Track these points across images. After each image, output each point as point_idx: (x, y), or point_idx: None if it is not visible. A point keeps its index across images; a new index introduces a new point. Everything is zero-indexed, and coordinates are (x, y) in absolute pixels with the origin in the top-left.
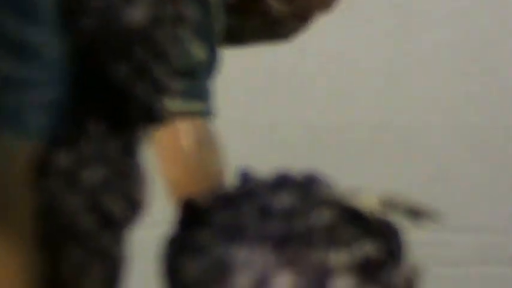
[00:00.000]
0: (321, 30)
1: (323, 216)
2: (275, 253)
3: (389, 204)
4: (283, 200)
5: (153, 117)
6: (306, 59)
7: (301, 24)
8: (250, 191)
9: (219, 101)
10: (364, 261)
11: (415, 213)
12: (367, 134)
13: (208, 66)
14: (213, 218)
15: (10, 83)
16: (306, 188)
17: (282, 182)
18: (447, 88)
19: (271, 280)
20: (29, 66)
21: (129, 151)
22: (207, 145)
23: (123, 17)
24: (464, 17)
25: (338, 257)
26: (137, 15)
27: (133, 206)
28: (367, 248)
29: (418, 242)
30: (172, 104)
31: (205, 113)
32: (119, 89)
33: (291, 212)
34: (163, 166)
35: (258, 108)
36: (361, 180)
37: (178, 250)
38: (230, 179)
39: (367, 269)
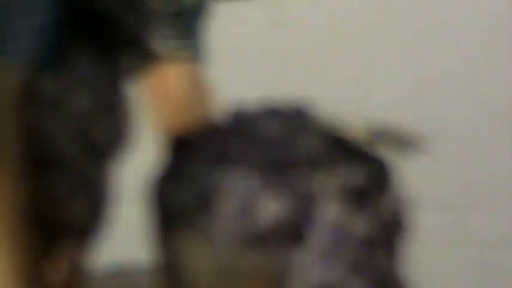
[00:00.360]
0: (342, 1)
1: (310, 144)
2: (260, 179)
3: (378, 133)
4: (270, 129)
5: (139, 50)
6: (324, 30)
7: None
8: (238, 122)
9: (241, 71)
10: (350, 188)
11: (403, 142)
12: (386, 109)
13: (199, 9)
14: (201, 148)
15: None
16: (293, 118)
17: (271, 113)
18: (473, 62)
19: (256, 206)
20: None
21: (115, 83)
22: (196, 87)
23: None
24: None
25: (323, 184)
26: None
27: (118, 137)
28: (353, 176)
29: (446, 223)
30: (162, 45)
31: (195, 56)
32: (106, 20)
33: (277, 140)
34: (153, 108)
35: (274, 82)
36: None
37: (166, 179)
38: (221, 117)
39: (353, 196)
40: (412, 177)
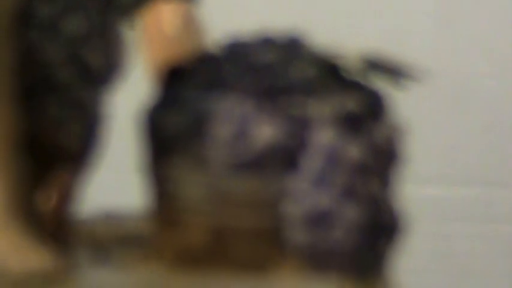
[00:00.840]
0: None
1: (304, 71)
2: (255, 105)
3: (371, 62)
4: (265, 56)
5: None
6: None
7: None
8: (233, 50)
9: None
10: (344, 114)
11: (398, 73)
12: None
13: None
14: (195, 74)
15: None
16: (288, 46)
17: (266, 41)
18: (505, 34)
19: (251, 131)
20: None
21: (109, 12)
22: (189, 25)
23: None
24: None
25: (317, 109)
26: None
27: (111, 64)
28: (348, 102)
29: (472, 197)
30: None
31: None
32: None
33: (272, 66)
34: (146, 49)
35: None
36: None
37: (160, 105)
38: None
39: (347, 122)
40: (440, 149)
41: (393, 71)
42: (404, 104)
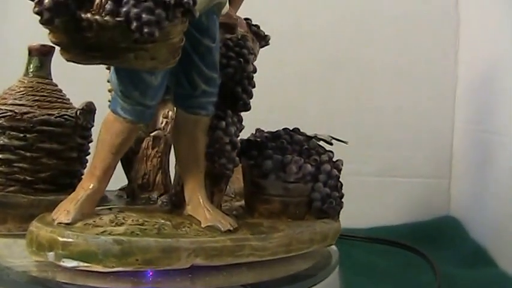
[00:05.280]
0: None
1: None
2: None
3: None
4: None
5: (245, 107)
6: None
7: None
8: (275, 135)
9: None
10: None
11: None
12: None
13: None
14: (267, 145)
15: (209, 95)
16: None
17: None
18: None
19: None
20: (215, 86)
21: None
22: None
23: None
24: None
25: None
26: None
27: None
28: None
29: None
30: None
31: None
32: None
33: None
34: None
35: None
36: None
37: (255, 157)
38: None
39: None
40: None
41: None
42: None
